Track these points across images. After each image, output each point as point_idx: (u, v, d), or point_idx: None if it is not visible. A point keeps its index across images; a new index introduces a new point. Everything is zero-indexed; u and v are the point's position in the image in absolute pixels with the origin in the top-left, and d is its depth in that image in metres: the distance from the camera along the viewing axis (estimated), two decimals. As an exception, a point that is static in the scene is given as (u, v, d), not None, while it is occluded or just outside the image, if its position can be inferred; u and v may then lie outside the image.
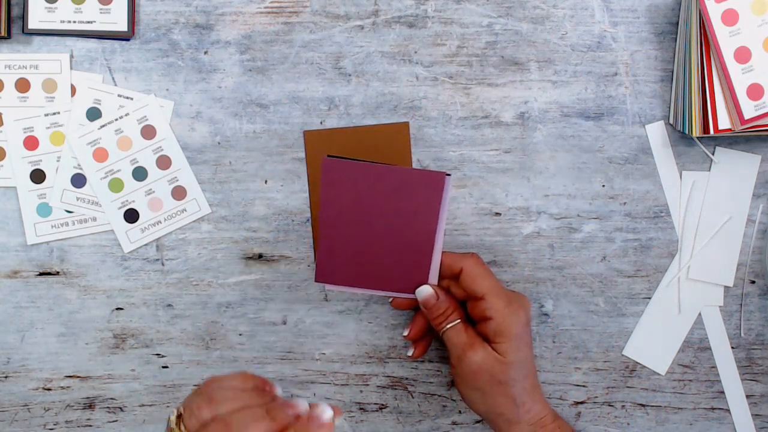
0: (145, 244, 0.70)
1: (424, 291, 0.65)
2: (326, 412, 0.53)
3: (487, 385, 0.63)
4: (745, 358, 0.72)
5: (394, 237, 0.63)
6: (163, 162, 0.69)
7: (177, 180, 0.70)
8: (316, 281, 0.65)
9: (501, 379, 0.62)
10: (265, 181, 0.70)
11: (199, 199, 0.70)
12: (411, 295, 0.66)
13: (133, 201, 0.69)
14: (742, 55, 0.64)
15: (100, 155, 0.69)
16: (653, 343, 0.71)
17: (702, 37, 0.65)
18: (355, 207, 0.62)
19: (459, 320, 0.64)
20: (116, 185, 0.69)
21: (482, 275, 0.63)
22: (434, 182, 0.62)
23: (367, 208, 0.62)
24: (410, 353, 0.68)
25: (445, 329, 0.64)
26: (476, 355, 0.62)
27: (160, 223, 0.70)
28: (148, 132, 0.69)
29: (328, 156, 0.61)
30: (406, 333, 0.67)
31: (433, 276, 0.65)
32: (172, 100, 0.69)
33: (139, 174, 0.69)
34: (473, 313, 0.64)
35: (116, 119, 0.68)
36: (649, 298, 0.71)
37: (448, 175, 0.62)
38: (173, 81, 0.70)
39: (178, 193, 0.70)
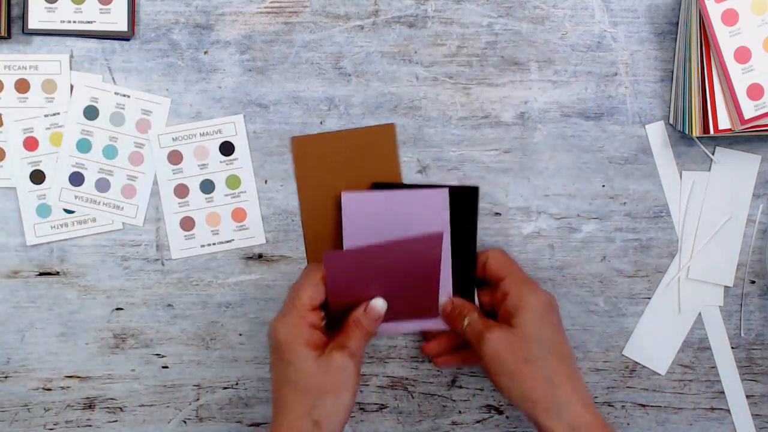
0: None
1: (442, 300, 0.67)
2: (381, 304, 0.63)
3: (512, 365, 0.60)
4: (745, 358, 0.72)
5: (402, 290, 0.65)
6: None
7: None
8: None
9: (525, 357, 0.60)
10: (265, 181, 0.70)
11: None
12: (437, 323, 0.68)
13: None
14: (742, 55, 0.64)
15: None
16: (653, 343, 0.71)
17: (702, 37, 0.65)
18: (360, 284, 0.63)
19: (476, 313, 0.64)
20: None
21: (506, 261, 0.65)
22: (432, 242, 0.63)
23: (372, 281, 0.64)
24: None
25: (464, 327, 0.64)
26: (494, 335, 0.61)
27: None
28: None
29: (327, 252, 0.62)
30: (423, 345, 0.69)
31: (445, 293, 0.67)
32: (169, 98, 0.69)
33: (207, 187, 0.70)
34: (496, 299, 0.65)
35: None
36: (649, 298, 0.71)
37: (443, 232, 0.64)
38: (173, 81, 0.70)
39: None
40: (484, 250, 0.67)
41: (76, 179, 0.69)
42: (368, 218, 0.66)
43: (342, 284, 0.63)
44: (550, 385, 0.59)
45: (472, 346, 0.64)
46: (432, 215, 0.66)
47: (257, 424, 0.72)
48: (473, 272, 0.68)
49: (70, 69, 0.69)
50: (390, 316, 0.65)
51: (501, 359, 0.60)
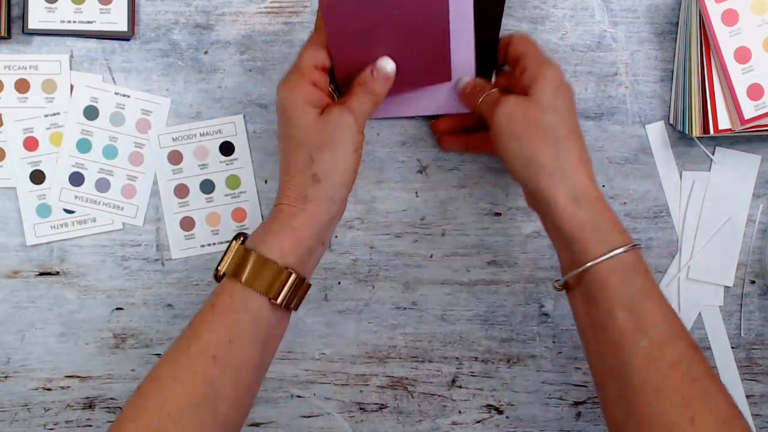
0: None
1: (463, 80, 0.65)
2: (389, 65, 0.60)
3: (522, 129, 0.58)
4: (745, 358, 0.72)
5: (410, 47, 0.60)
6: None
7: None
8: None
9: (537, 120, 0.58)
10: (265, 181, 0.70)
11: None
12: (450, 106, 0.65)
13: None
14: (742, 55, 0.64)
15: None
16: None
17: (702, 37, 0.65)
18: (366, 44, 0.59)
19: (495, 90, 0.62)
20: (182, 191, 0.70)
21: (529, 42, 0.62)
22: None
23: (379, 41, 0.59)
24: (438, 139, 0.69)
25: (481, 99, 0.62)
26: (509, 100, 0.59)
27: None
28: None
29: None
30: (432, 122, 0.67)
31: (469, 68, 0.64)
32: (169, 98, 0.69)
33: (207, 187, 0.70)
34: (514, 77, 0.62)
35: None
36: (649, 298, 0.71)
37: None
38: (173, 81, 0.70)
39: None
40: (507, 35, 0.64)
41: (76, 179, 0.69)
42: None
43: (346, 41, 0.58)
44: (558, 150, 0.57)
45: (484, 118, 0.62)
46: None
47: (257, 424, 0.72)
48: (495, 55, 0.65)
49: (70, 69, 0.69)
50: (400, 84, 0.61)
51: (513, 122, 0.58)
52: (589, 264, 0.55)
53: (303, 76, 0.58)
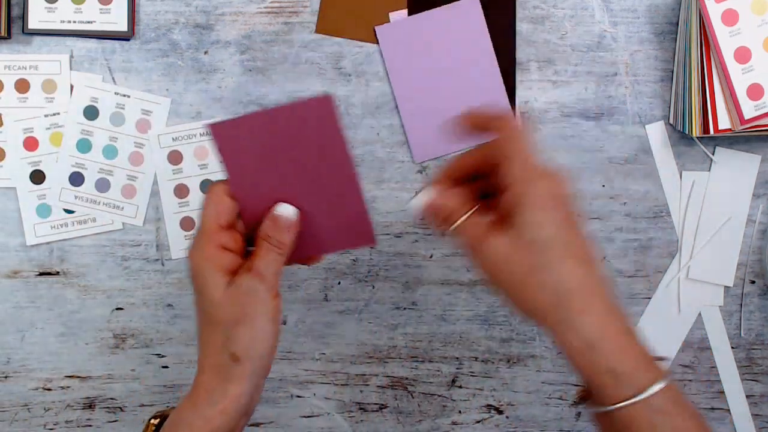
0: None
1: (417, 202, 0.53)
2: (287, 210, 0.52)
3: (515, 277, 0.49)
4: (745, 358, 0.72)
5: (315, 184, 0.54)
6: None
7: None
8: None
9: (530, 265, 0.48)
10: (265, 181, 0.70)
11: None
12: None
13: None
14: (742, 55, 0.64)
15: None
16: (653, 343, 0.71)
17: (702, 37, 0.65)
18: (263, 168, 0.53)
19: (471, 210, 0.51)
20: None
21: (513, 142, 0.50)
22: (323, 106, 0.51)
23: (275, 165, 0.53)
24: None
25: (455, 226, 0.52)
26: (492, 246, 0.49)
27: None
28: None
29: (212, 124, 0.51)
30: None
31: (500, 95, 0.60)
32: (169, 98, 0.69)
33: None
34: (493, 184, 0.51)
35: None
36: (649, 298, 0.71)
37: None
38: (173, 81, 0.70)
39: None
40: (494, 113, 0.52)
41: (76, 179, 0.69)
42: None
43: (240, 163, 0.52)
44: (560, 298, 0.48)
45: (462, 250, 0.52)
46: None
47: (257, 424, 0.72)
48: (513, 78, 0.63)
49: (70, 69, 0.69)
50: (316, 236, 0.55)
51: (500, 271, 0.49)
52: (605, 409, 0.48)
53: (209, 240, 0.52)
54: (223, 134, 0.52)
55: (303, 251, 0.55)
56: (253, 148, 0.52)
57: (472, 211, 0.52)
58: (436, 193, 0.52)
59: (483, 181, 0.53)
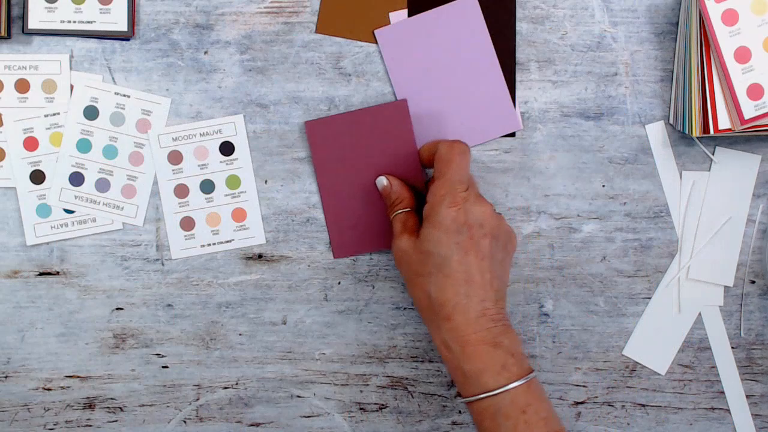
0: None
1: (381, 181, 0.67)
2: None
3: (408, 274, 0.62)
4: (745, 358, 0.72)
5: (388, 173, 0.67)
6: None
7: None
8: (335, 258, 0.70)
9: (416, 270, 0.61)
10: (265, 181, 0.70)
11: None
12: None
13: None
14: (742, 55, 0.64)
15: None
16: (653, 343, 0.71)
17: (702, 37, 0.65)
18: (346, 162, 0.67)
19: (408, 209, 0.64)
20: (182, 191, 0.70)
21: (453, 161, 0.61)
22: (399, 109, 0.67)
23: (356, 159, 0.67)
24: None
25: (392, 216, 0.65)
26: (401, 242, 0.62)
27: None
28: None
29: (307, 121, 0.66)
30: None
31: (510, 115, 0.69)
32: (169, 98, 0.69)
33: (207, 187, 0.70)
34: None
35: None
36: (649, 298, 0.71)
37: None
38: (173, 81, 0.70)
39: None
40: (438, 141, 0.65)
41: (76, 179, 0.69)
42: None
43: (326, 157, 0.67)
44: (433, 302, 0.59)
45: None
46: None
47: (257, 424, 0.72)
48: (513, 78, 0.69)
49: (70, 69, 0.69)
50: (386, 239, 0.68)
51: (400, 265, 0.62)
52: (461, 401, 0.60)
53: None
54: (315, 131, 0.67)
55: (373, 242, 0.69)
56: (338, 143, 0.66)
57: (408, 209, 0.64)
58: (394, 182, 0.66)
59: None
